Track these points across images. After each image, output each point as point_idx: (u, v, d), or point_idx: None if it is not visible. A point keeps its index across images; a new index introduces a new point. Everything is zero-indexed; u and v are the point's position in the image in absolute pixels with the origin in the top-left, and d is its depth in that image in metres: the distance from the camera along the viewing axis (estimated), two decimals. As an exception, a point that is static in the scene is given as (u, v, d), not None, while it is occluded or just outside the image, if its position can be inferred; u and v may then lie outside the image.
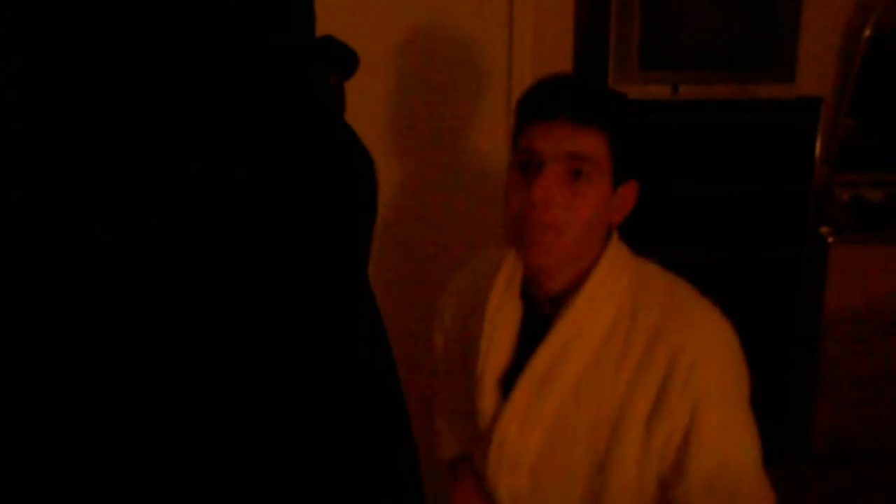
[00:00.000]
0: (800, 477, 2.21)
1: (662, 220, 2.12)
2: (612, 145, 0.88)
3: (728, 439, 0.85)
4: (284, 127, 0.52)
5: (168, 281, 0.46)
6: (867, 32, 2.07)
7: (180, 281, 0.46)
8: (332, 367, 0.56)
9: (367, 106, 1.70)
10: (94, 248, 0.44)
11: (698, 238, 2.14)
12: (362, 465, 0.58)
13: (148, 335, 0.46)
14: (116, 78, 0.43)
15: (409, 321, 1.93)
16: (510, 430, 0.91)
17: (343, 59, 1.20)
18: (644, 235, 2.12)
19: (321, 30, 0.67)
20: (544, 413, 0.89)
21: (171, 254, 0.46)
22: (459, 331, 1.06)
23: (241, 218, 0.48)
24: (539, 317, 0.94)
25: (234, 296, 0.48)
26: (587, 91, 0.90)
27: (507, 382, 0.95)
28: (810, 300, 2.19)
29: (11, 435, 0.43)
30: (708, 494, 0.82)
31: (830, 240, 2.14)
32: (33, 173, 0.42)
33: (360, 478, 0.57)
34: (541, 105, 0.88)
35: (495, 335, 0.95)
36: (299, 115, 0.53)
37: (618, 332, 0.88)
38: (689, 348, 0.84)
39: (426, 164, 1.91)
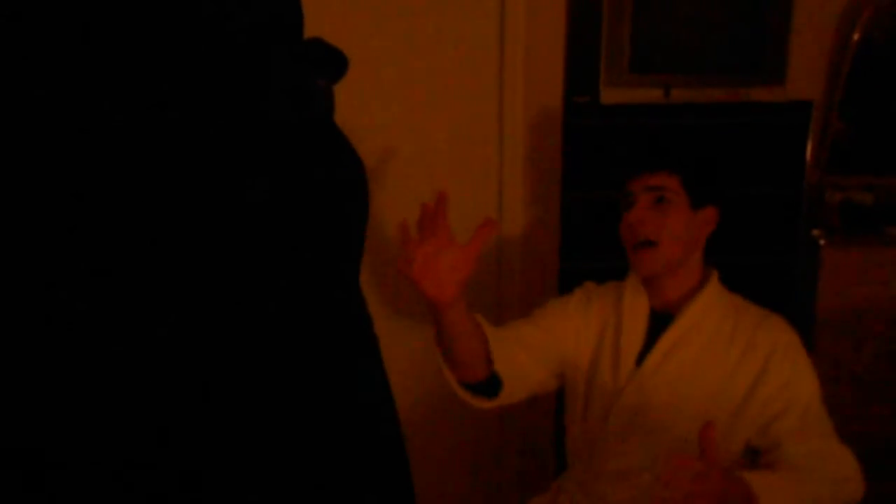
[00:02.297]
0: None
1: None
2: (684, 180, 1.24)
3: (811, 397, 1.18)
4: (271, 129, 0.51)
5: (157, 282, 0.45)
6: (857, 35, 2.08)
7: (169, 283, 0.45)
8: (324, 373, 0.55)
9: (353, 112, 1.69)
10: (92, 247, 0.43)
11: (690, 241, 2.14)
12: (353, 467, 0.57)
13: (137, 340, 0.45)
14: (110, 79, 0.43)
15: (401, 331, 1.92)
16: (638, 388, 1.20)
17: (331, 62, 1.19)
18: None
19: (309, 33, 0.67)
20: (666, 381, 1.19)
21: (161, 255, 0.45)
22: (595, 326, 1.35)
23: (228, 221, 0.47)
24: (661, 316, 1.26)
25: (220, 298, 0.47)
26: (660, 148, 1.32)
27: (638, 361, 1.26)
28: (802, 303, 2.20)
29: (11, 435, 0.43)
30: (801, 430, 1.13)
31: (822, 242, 2.14)
32: (36, 175, 0.42)
33: (353, 479, 0.57)
34: (634, 171, 1.29)
35: (631, 323, 1.27)
36: (286, 118, 0.53)
37: (725, 327, 1.21)
38: (784, 336, 1.21)
39: (416, 175, 1.91)
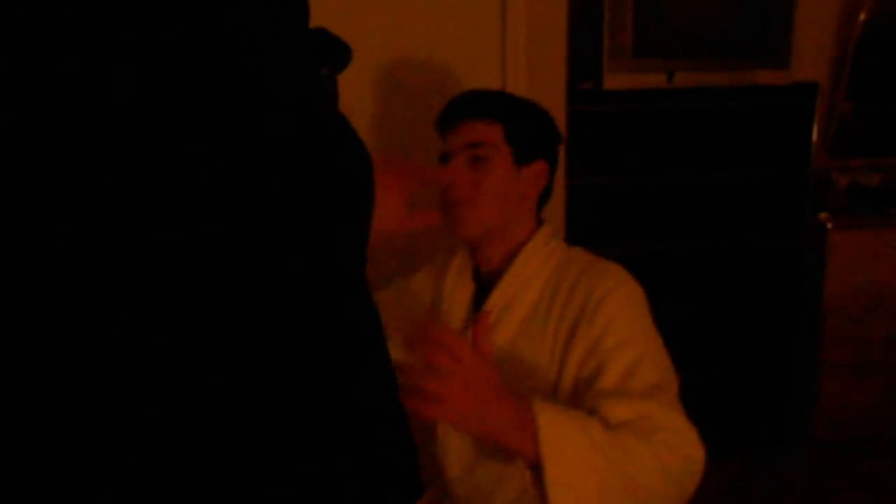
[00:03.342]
0: (802, 461, 2.22)
1: (659, 210, 2.11)
2: (507, 131, 1.06)
3: (632, 354, 0.93)
4: (275, 119, 0.51)
5: (160, 280, 0.45)
6: (862, 16, 2.06)
7: (173, 279, 0.45)
8: (330, 363, 0.55)
9: (352, 103, 1.69)
10: (87, 245, 0.43)
11: (696, 227, 2.13)
12: (359, 457, 0.57)
13: (142, 337, 0.45)
14: (115, 75, 0.43)
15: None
16: None
17: (335, 51, 1.19)
18: (641, 226, 2.12)
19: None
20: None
21: (164, 251, 0.45)
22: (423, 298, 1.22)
23: (233, 211, 0.47)
24: (488, 281, 1.10)
25: (225, 292, 0.47)
26: (481, 93, 1.11)
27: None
28: (810, 286, 2.19)
29: (10, 435, 0.43)
30: (618, 399, 0.89)
31: (829, 225, 2.14)
32: (43, 175, 0.42)
33: (357, 472, 0.57)
34: (445, 114, 1.11)
35: (450, 308, 1.12)
36: (291, 107, 0.52)
37: (544, 296, 1.04)
38: (598, 289, 0.98)
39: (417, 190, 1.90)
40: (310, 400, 0.51)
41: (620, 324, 0.95)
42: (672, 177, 2.08)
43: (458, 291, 1.13)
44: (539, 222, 1.13)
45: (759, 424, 2.24)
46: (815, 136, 2.10)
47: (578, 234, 1.94)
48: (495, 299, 1.05)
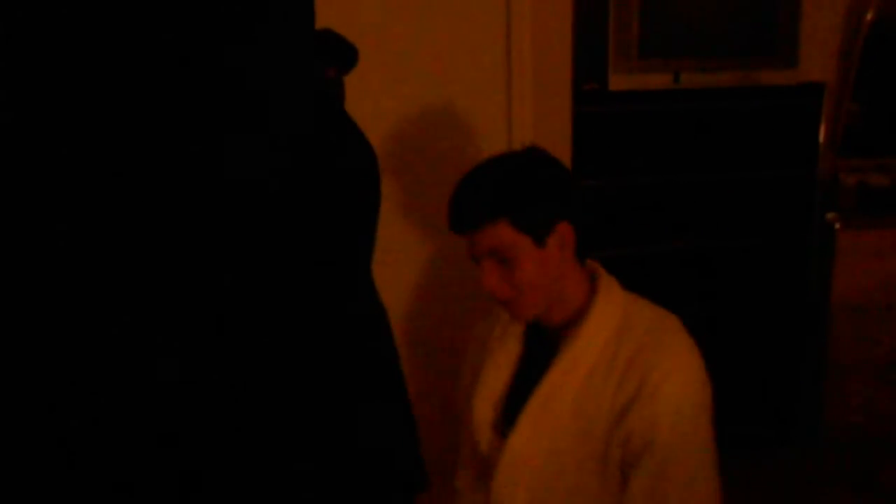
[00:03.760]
0: (809, 462, 2.20)
1: (666, 211, 2.10)
2: (515, 223, 1.03)
3: (677, 454, 0.99)
4: (283, 118, 0.51)
5: (165, 271, 0.45)
6: (869, 15, 2.05)
7: (178, 272, 0.45)
8: (333, 354, 0.55)
9: (358, 102, 1.69)
10: (83, 243, 0.43)
11: (703, 227, 2.13)
12: (364, 451, 0.57)
13: (145, 328, 0.45)
14: (112, 67, 0.43)
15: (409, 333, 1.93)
16: (520, 441, 1.07)
17: (342, 53, 1.19)
18: (647, 227, 2.11)
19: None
20: (550, 421, 1.06)
21: (170, 245, 0.45)
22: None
23: (241, 208, 0.47)
24: (545, 343, 1.11)
25: (232, 286, 0.47)
26: (471, 198, 1.05)
27: (507, 406, 1.12)
28: (818, 286, 2.18)
29: (10, 436, 0.43)
30: (651, 495, 0.97)
31: (837, 226, 2.13)
32: (40, 173, 0.42)
33: (363, 467, 0.57)
34: (451, 225, 1.08)
35: (497, 360, 1.14)
36: (298, 107, 0.53)
37: (605, 356, 1.05)
38: (656, 371, 0.99)
39: (421, 191, 1.91)
40: (312, 397, 0.51)
41: (671, 418, 0.98)
42: (678, 178, 2.07)
43: (505, 344, 1.15)
44: (591, 277, 1.13)
45: (767, 425, 2.23)
46: (822, 137, 2.09)
47: (585, 235, 1.94)
48: (565, 361, 1.06)
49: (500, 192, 1.04)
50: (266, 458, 0.49)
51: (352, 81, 1.39)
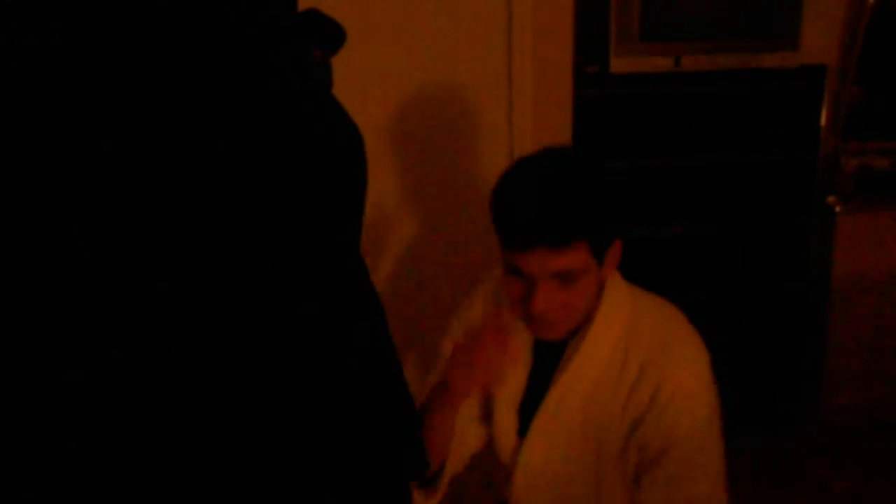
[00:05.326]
0: (811, 444, 2.21)
1: (667, 194, 2.11)
2: (592, 245, 0.96)
3: (693, 458, 0.99)
4: (264, 103, 0.51)
5: (154, 270, 0.45)
6: (872, -2, 2.04)
7: (165, 269, 0.45)
8: (326, 349, 0.55)
9: (360, 111, 1.69)
10: (80, 242, 0.44)
11: (704, 211, 2.13)
12: (363, 455, 0.57)
13: (138, 327, 0.45)
14: (102, 64, 0.43)
15: (405, 326, 1.94)
16: (533, 451, 1.08)
17: (328, 34, 1.18)
18: (648, 210, 2.11)
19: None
20: (561, 429, 1.06)
21: (156, 242, 0.45)
22: None
23: (224, 197, 0.47)
24: (551, 345, 1.08)
25: (219, 280, 0.47)
26: (557, 211, 0.94)
27: (524, 404, 1.11)
28: (819, 269, 2.18)
29: (10, 436, 0.43)
30: (667, 496, 0.98)
31: (838, 209, 2.13)
32: (35, 172, 0.42)
33: (362, 469, 0.57)
34: (517, 236, 0.95)
35: (514, 367, 1.09)
36: (279, 91, 0.53)
37: (615, 361, 1.03)
38: (669, 381, 0.99)
39: (423, 173, 1.91)
40: (309, 386, 0.51)
41: (686, 430, 0.98)
42: (679, 160, 2.07)
43: (516, 344, 1.08)
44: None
45: (769, 407, 2.24)
46: (823, 120, 2.09)
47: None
48: (574, 365, 1.04)
49: (584, 213, 0.95)
50: (264, 457, 0.49)
51: (342, 65, 1.39)
